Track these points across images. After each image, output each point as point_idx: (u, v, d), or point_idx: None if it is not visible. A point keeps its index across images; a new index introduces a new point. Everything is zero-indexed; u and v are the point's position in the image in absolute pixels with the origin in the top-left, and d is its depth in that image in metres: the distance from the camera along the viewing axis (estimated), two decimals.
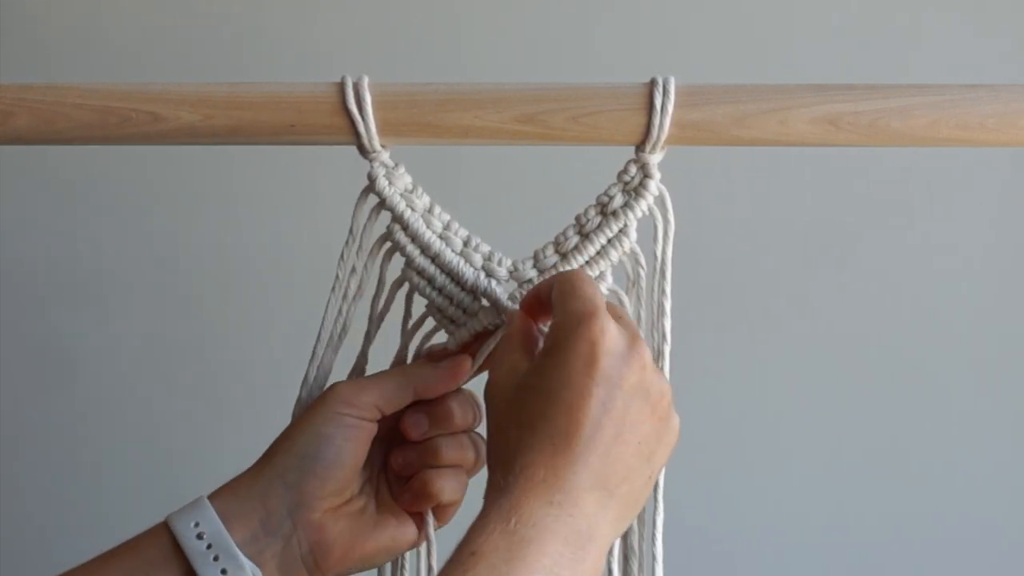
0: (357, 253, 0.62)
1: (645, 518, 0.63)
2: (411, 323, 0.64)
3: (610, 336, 0.52)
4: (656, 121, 0.58)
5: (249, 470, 0.59)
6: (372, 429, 0.60)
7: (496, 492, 0.50)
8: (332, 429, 0.58)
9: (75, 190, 1.17)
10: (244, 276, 1.18)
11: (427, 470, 0.61)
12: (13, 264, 1.18)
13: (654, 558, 0.62)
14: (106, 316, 1.19)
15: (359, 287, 0.63)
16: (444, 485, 0.61)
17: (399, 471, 0.62)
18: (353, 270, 0.62)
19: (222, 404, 1.20)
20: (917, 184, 1.12)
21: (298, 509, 0.58)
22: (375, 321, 0.64)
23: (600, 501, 0.51)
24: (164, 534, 0.57)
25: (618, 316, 0.55)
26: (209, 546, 0.56)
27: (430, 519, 0.62)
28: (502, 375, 0.55)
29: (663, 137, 0.58)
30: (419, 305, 0.64)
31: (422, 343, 0.64)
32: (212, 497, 0.58)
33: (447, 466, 0.61)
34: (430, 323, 0.64)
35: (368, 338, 0.64)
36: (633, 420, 0.52)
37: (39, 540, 1.19)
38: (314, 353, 0.63)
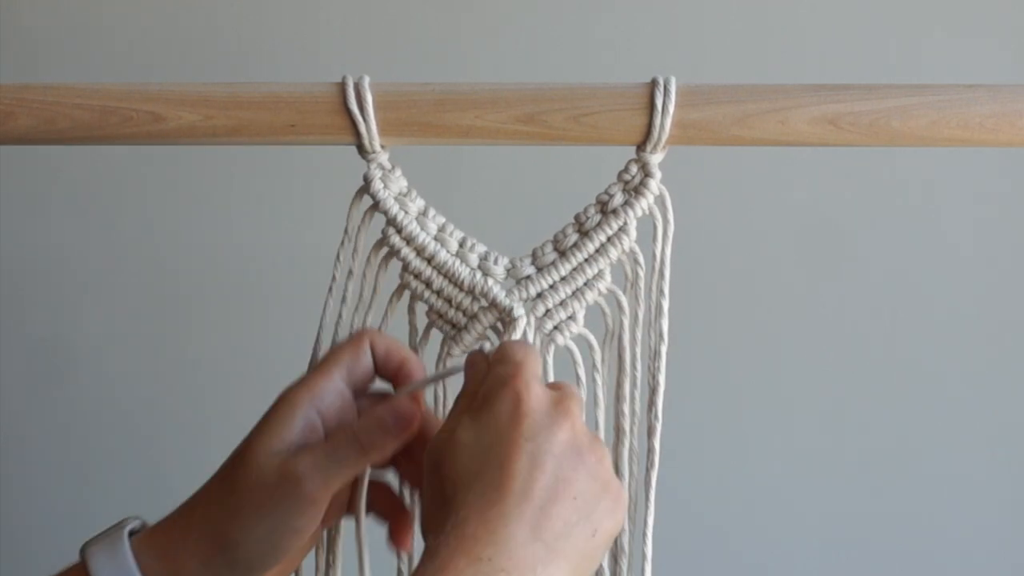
0: (353, 255, 0.62)
1: (636, 517, 0.63)
2: (418, 338, 0.64)
3: (534, 394, 0.52)
4: (657, 121, 0.58)
5: (185, 523, 0.58)
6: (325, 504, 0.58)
7: (426, 555, 0.49)
8: (303, 523, 0.57)
9: (75, 190, 1.17)
10: (244, 277, 1.17)
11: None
12: (13, 264, 1.18)
13: (644, 556, 0.62)
14: (104, 316, 1.19)
15: (360, 293, 0.62)
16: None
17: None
18: (350, 273, 0.62)
19: (221, 404, 1.20)
20: (917, 184, 1.12)
21: (215, 554, 0.56)
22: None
23: (539, 556, 0.49)
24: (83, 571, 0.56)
25: (556, 386, 0.54)
26: None
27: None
28: (442, 433, 0.54)
29: (664, 137, 0.58)
30: (422, 317, 0.63)
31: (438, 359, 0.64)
32: (141, 535, 0.57)
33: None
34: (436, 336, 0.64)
35: None
36: (566, 476, 0.51)
37: (38, 540, 1.19)
38: (313, 356, 0.63)
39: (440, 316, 0.62)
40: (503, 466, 0.50)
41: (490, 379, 0.54)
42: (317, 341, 0.63)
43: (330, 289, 0.62)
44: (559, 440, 0.51)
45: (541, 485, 0.50)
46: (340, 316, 0.62)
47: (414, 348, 0.64)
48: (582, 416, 0.54)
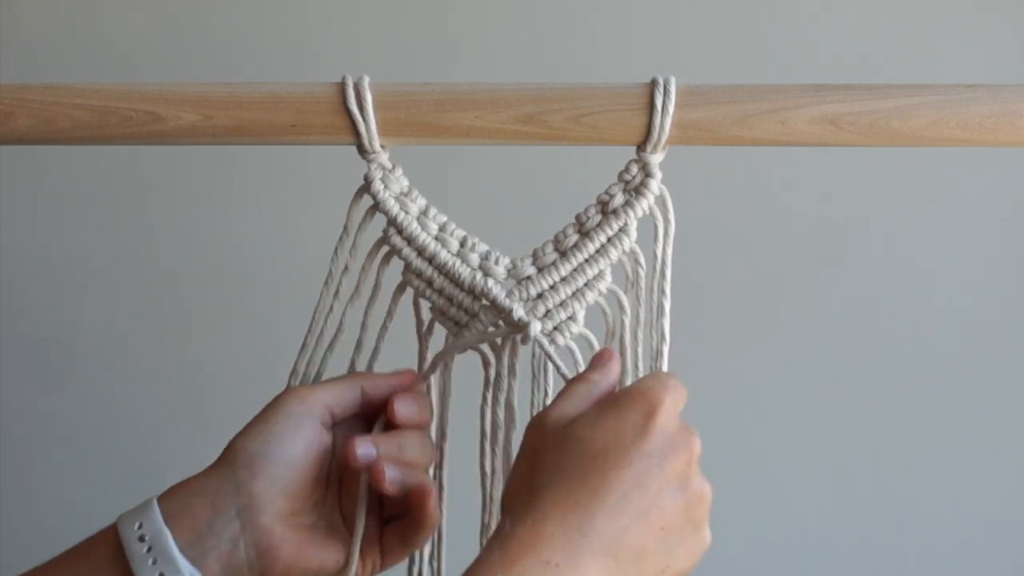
0: (351, 251, 0.62)
1: None
2: (424, 328, 0.64)
3: (668, 416, 0.51)
4: (657, 121, 0.58)
5: (204, 470, 0.59)
6: (323, 434, 0.59)
7: (497, 539, 0.49)
8: (282, 428, 0.58)
9: (75, 190, 1.17)
10: (244, 276, 1.17)
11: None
12: (13, 264, 1.18)
13: None
14: (104, 316, 1.19)
15: (356, 288, 0.63)
16: (393, 474, 0.58)
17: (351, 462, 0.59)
18: (346, 269, 0.62)
19: (221, 404, 1.20)
20: (917, 184, 1.12)
21: (247, 511, 0.57)
22: (372, 328, 0.64)
23: (605, 570, 0.49)
24: (112, 536, 0.57)
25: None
26: (149, 548, 0.55)
27: (355, 549, 0.60)
28: (556, 414, 0.53)
29: (664, 137, 0.58)
30: (427, 311, 0.64)
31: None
32: (164, 496, 0.58)
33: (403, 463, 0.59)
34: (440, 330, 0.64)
35: (358, 346, 0.64)
36: (663, 505, 0.50)
37: (38, 540, 1.19)
38: (304, 344, 0.63)
39: (443, 314, 0.63)
40: (606, 475, 0.49)
41: (635, 385, 0.53)
42: (308, 332, 0.63)
43: (326, 282, 0.62)
44: (672, 468, 0.51)
45: (635, 507, 0.49)
46: (332, 309, 0.63)
47: (420, 340, 0.64)
48: (699, 449, 0.53)
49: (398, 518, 0.61)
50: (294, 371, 0.64)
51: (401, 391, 0.61)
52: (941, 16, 1.09)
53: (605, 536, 0.49)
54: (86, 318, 1.19)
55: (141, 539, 0.56)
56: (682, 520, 0.51)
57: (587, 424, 0.51)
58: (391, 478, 0.57)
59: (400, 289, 0.63)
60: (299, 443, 0.58)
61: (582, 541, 0.48)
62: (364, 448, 0.58)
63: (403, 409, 0.60)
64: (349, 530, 0.60)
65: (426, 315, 0.64)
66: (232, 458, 0.58)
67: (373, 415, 0.61)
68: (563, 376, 0.60)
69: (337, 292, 0.62)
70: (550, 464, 0.51)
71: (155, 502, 0.57)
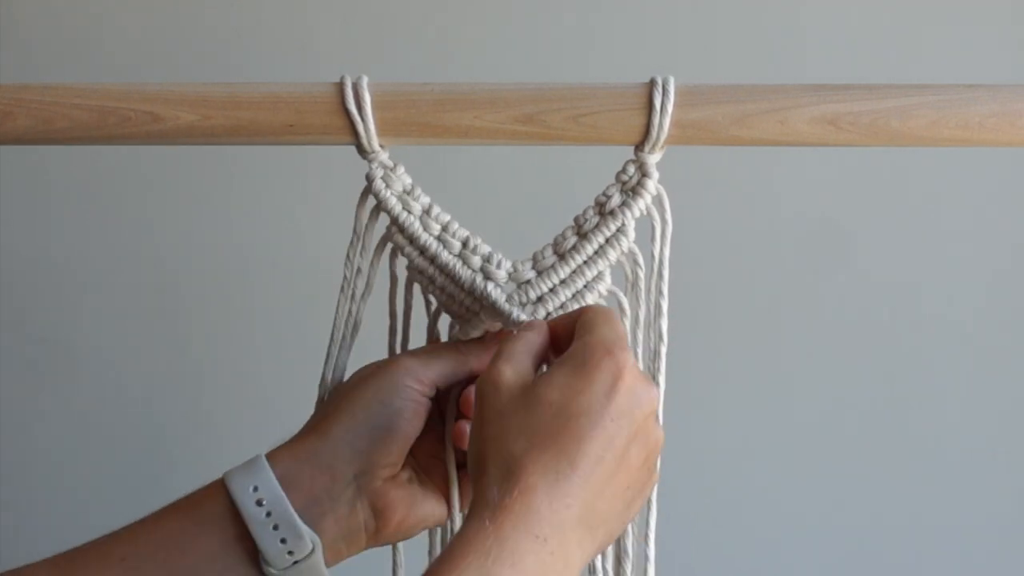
0: (361, 254, 0.63)
1: (638, 519, 0.63)
2: (432, 309, 0.65)
3: (632, 373, 0.52)
4: (656, 121, 0.58)
5: (306, 434, 0.59)
6: (430, 405, 0.61)
7: (483, 507, 0.49)
8: (401, 403, 0.59)
9: (75, 190, 1.17)
10: (244, 276, 1.17)
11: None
12: (13, 264, 1.18)
13: (647, 558, 0.62)
14: (104, 316, 1.19)
15: (367, 287, 0.63)
16: None
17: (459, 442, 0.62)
18: (359, 271, 0.63)
19: (221, 404, 1.20)
20: (917, 184, 1.12)
21: (363, 476, 0.58)
22: (397, 316, 0.65)
23: (580, 540, 0.50)
24: (221, 494, 0.57)
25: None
26: (269, 513, 0.56)
27: (455, 496, 0.63)
28: (511, 374, 0.53)
29: (663, 137, 0.58)
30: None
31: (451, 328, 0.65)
32: (271, 458, 0.58)
33: None
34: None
35: (392, 333, 0.66)
36: (629, 464, 0.51)
37: (38, 540, 1.19)
38: (328, 354, 0.64)
39: (446, 308, 0.63)
40: (582, 440, 0.50)
41: (590, 339, 0.53)
42: (331, 340, 0.64)
43: (341, 288, 0.63)
44: (636, 426, 0.52)
45: (606, 469, 0.50)
46: (350, 313, 0.63)
47: (431, 328, 0.65)
48: (660, 399, 0.55)
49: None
50: (322, 380, 0.64)
51: None
52: (941, 16, 1.09)
53: (582, 505, 0.49)
54: (86, 318, 1.19)
55: (259, 503, 0.56)
56: (641, 472, 0.53)
57: (555, 386, 0.52)
58: None
59: (408, 283, 0.64)
60: (415, 418, 0.60)
61: (566, 514, 0.49)
62: None
63: None
64: (432, 479, 0.62)
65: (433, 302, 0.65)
66: (347, 427, 0.59)
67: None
68: None
69: (353, 296, 0.63)
70: (523, 428, 0.51)
71: (266, 464, 0.57)
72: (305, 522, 0.56)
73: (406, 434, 0.59)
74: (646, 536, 0.62)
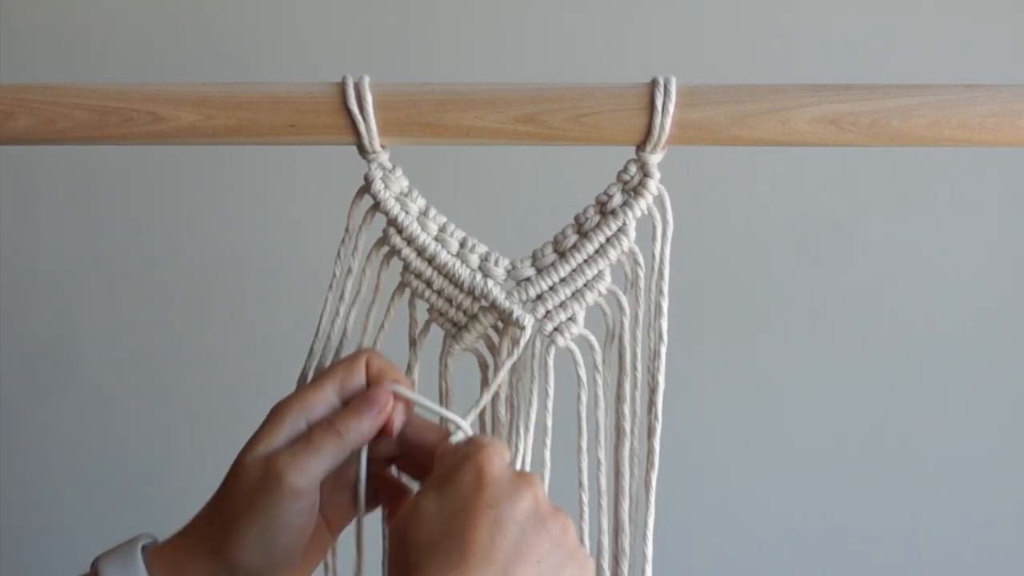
0: (353, 253, 0.62)
1: (636, 518, 0.63)
2: (417, 330, 0.64)
3: (496, 465, 0.54)
4: (657, 121, 0.58)
5: (195, 523, 0.58)
6: (317, 500, 0.59)
7: None
8: (290, 517, 0.57)
9: (74, 190, 1.17)
10: (244, 276, 1.17)
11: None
12: (13, 264, 1.18)
13: (644, 557, 0.62)
14: (104, 316, 1.19)
15: (358, 289, 0.62)
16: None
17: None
18: (350, 270, 0.62)
19: (222, 404, 1.20)
20: (917, 184, 1.12)
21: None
22: (373, 331, 0.64)
23: None
24: None
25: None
26: None
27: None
28: (405, 511, 0.55)
29: (664, 137, 0.58)
30: (422, 312, 0.64)
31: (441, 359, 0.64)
32: (153, 553, 0.57)
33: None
34: (436, 333, 0.64)
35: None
36: (530, 542, 0.52)
37: (38, 540, 1.19)
38: (311, 351, 0.63)
39: (441, 315, 0.62)
40: (465, 531, 0.51)
41: (455, 456, 0.55)
42: (316, 337, 0.63)
43: (330, 286, 0.62)
44: (522, 508, 0.53)
45: (503, 548, 0.51)
46: (338, 313, 0.62)
47: (413, 342, 0.64)
48: (543, 489, 0.55)
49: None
50: (303, 375, 0.64)
51: (381, 418, 0.60)
52: (941, 16, 1.09)
53: None
54: (86, 318, 1.19)
55: None
56: (554, 550, 0.53)
57: (431, 500, 0.53)
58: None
59: (399, 290, 0.63)
60: (308, 523, 0.58)
61: None
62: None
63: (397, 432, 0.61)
64: (328, 527, 0.62)
65: (421, 317, 0.64)
66: (238, 545, 0.57)
67: None
68: (546, 385, 0.61)
69: (342, 295, 0.62)
70: (416, 545, 0.52)
71: (140, 556, 0.56)
72: None
73: (300, 544, 0.58)
74: (644, 536, 0.62)
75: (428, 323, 0.64)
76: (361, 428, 0.59)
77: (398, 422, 0.59)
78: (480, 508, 0.52)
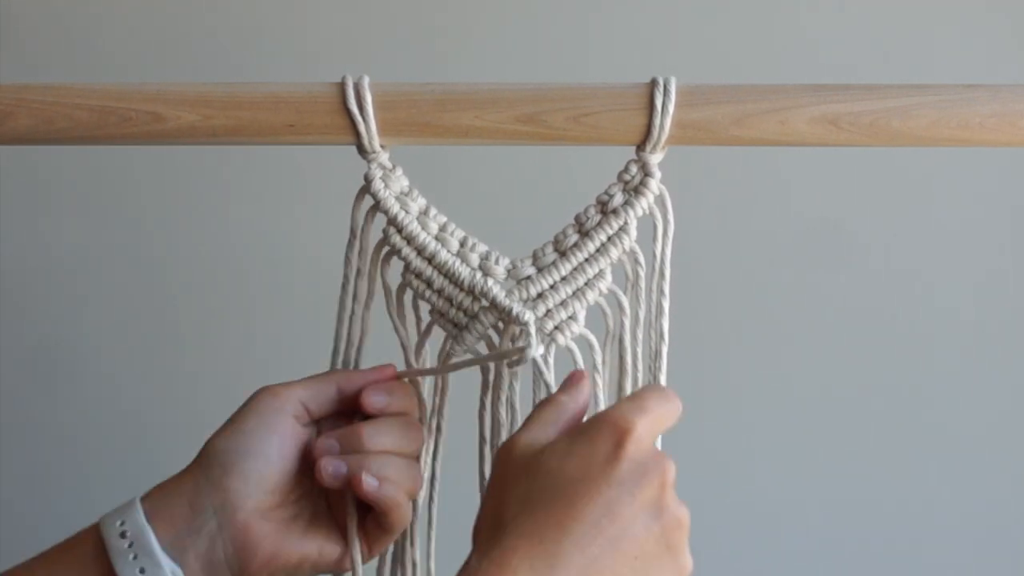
0: (360, 253, 0.62)
1: None
2: (422, 329, 0.64)
3: (639, 443, 0.50)
4: (657, 121, 0.58)
5: (183, 469, 0.59)
6: (299, 430, 0.59)
7: (465, 571, 0.48)
8: (254, 424, 0.58)
9: (74, 190, 1.17)
10: (244, 276, 1.17)
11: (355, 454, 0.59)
12: (13, 264, 1.18)
13: None
14: (104, 316, 1.19)
15: (370, 291, 0.63)
16: (370, 466, 0.58)
17: (315, 454, 0.59)
18: (359, 271, 0.62)
19: (222, 404, 1.19)
20: (917, 184, 1.12)
21: (223, 508, 0.57)
22: (376, 329, 0.64)
23: None
24: (94, 534, 0.57)
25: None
26: (130, 544, 0.56)
27: (353, 536, 0.60)
28: (525, 442, 0.52)
29: (664, 137, 0.58)
30: (426, 313, 0.64)
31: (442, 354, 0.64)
32: (145, 497, 0.58)
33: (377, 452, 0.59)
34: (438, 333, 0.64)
35: (358, 346, 0.64)
36: (636, 533, 0.49)
37: (38, 540, 1.19)
38: (335, 349, 0.64)
39: (442, 315, 0.63)
40: (575, 505, 0.48)
41: (608, 411, 0.52)
42: (336, 339, 0.63)
43: (343, 288, 0.63)
44: (644, 496, 0.50)
45: (606, 535, 0.48)
46: (353, 312, 0.63)
47: (419, 343, 0.64)
48: (673, 474, 0.51)
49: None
50: None
51: (375, 384, 0.60)
52: (941, 16, 1.09)
53: (574, 568, 0.47)
54: (86, 318, 1.19)
55: (123, 535, 0.56)
56: (657, 547, 0.50)
57: (556, 453, 0.51)
58: (368, 485, 0.57)
59: (401, 289, 0.63)
60: (272, 440, 0.58)
61: (549, 574, 0.47)
62: (334, 467, 0.57)
63: (375, 400, 0.60)
64: (334, 517, 0.61)
65: (425, 317, 0.64)
66: (207, 456, 0.58)
67: (354, 412, 0.61)
68: (546, 384, 0.61)
69: (355, 296, 0.63)
70: (519, 496, 0.50)
71: (137, 501, 0.57)
72: (171, 555, 0.56)
73: (265, 457, 0.57)
74: None
75: (431, 324, 0.64)
76: (353, 376, 0.60)
77: (380, 400, 0.59)
78: (602, 485, 0.49)
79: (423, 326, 0.64)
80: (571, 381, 0.57)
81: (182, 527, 0.57)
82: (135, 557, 0.55)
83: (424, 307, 0.64)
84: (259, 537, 0.57)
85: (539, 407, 0.55)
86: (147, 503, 0.57)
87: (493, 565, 0.47)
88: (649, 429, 0.51)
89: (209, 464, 0.58)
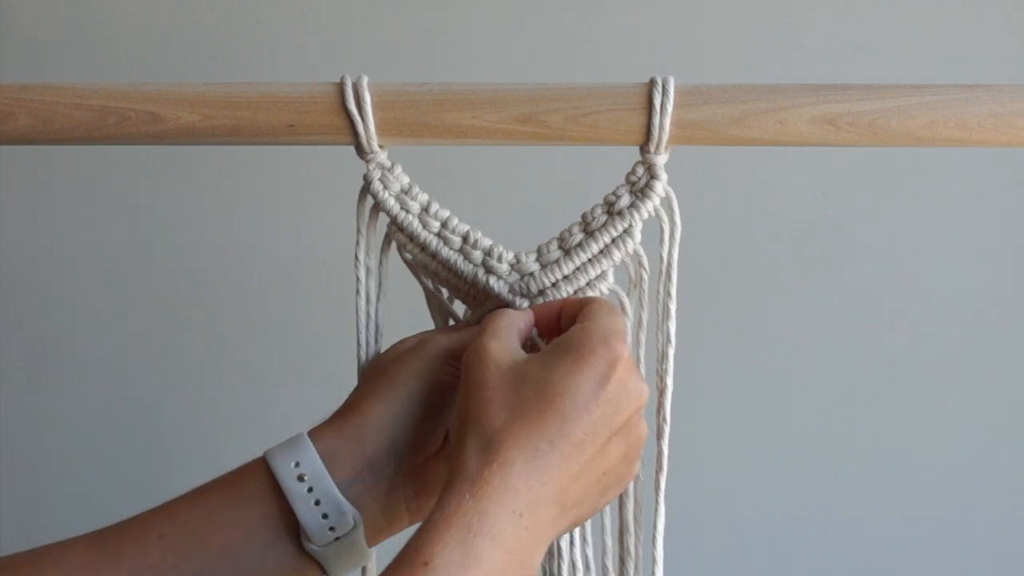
0: (368, 253, 0.62)
1: (645, 520, 0.63)
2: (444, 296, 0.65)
3: (627, 366, 0.53)
4: (656, 121, 0.58)
5: (347, 412, 0.58)
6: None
7: (462, 480, 0.49)
8: (438, 379, 0.58)
9: (74, 190, 1.17)
10: (244, 276, 1.17)
11: None
12: (12, 264, 1.18)
13: (655, 560, 0.62)
14: (104, 316, 1.19)
15: (380, 288, 0.63)
16: None
17: None
18: (369, 270, 0.63)
19: (222, 404, 1.20)
20: (917, 184, 1.12)
21: (404, 453, 0.57)
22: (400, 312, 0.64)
23: (552, 519, 0.50)
24: (261, 471, 0.56)
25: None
26: (310, 489, 0.55)
27: None
28: (497, 348, 0.54)
29: (664, 137, 0.58)
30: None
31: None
32: (312, 436, 0.57)
33: None
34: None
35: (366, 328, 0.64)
36: (608, 452, 0.52)
37: (38, 540, 1.19)
38: (359, 357, 0.63)
39: (458, 296, 0.64)
40: (565, 421, 0.50)
41: (591, 325, 0.54)
42: (358, 343, 0.63)
43: (357, 291, 0.63)
44: (624, 417, 0.52)
45: (586, 453, 0.51)
46: (368, 314, 0.63)
47: (446, 316, 0.65)
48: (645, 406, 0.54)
49: None
50: (360, 370, 0.64)
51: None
52: (941, 16, 1.09)
53: (558, 484, 0.50)
54: (86, 318, 1.19)
55: (300, 479, 0.55)
56: (620, 462, 0.53)
57: (543, 364, 0.52)
58: None
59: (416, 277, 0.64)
60: (452, 399, 0.58)
61: (541, 490, 0.49)
62: None
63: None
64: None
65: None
66: (388, 403, 0.58)
67: None
68: None
69: (368, 296, 0.63)
70: (506, 402, 0.51)
71: (308, 440, 0.56)
72: (346, 499, 0.55)
73: (444, 411, 0.58)
74: (654, 538, 0.62)
75: (451, 297, 0.65)
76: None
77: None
78: (591, 404, 0.51)
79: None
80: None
81: (362, 470, 0.56)
82: (317, 503, 0.55)
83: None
84: (436, 478, 0.58)
85: (489, 317, 0.57)
86: (319, 443, 0.56)
87: (496, 477, 0.49)
88: (628, 352, 0.54)
89: (395, 411, 0.57)
